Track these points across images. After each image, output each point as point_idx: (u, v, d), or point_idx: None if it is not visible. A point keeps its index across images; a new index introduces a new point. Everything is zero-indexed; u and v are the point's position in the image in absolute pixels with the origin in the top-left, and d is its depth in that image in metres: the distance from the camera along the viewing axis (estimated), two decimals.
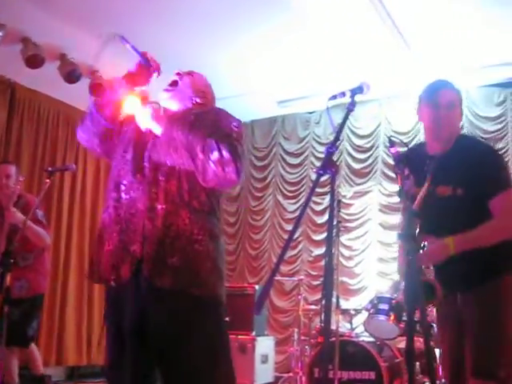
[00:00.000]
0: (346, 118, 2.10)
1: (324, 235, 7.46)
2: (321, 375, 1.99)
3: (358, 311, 5.68)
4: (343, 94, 2.16)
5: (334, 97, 2.18)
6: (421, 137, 7.28)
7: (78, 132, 2.72)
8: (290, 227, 7.91)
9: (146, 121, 2.47)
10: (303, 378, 5.58)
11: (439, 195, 2.66)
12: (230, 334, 5.05)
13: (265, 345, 6.63)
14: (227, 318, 5.68)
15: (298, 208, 8.12)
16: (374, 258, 7.45)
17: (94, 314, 7.58)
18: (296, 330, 6.22)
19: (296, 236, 8.07)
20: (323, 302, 1.94)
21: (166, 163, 2.43)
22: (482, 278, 2.66)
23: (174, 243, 2.33)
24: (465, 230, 2.58)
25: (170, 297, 2.31)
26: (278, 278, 7.83)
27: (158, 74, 2.63)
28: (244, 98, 7.73)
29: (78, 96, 6.56)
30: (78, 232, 7.60)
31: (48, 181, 4.16)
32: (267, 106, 8.13)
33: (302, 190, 8.25)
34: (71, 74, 6.31)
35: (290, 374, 6.02)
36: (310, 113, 8.36)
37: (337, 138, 2.01)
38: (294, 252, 8.10)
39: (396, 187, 2.09)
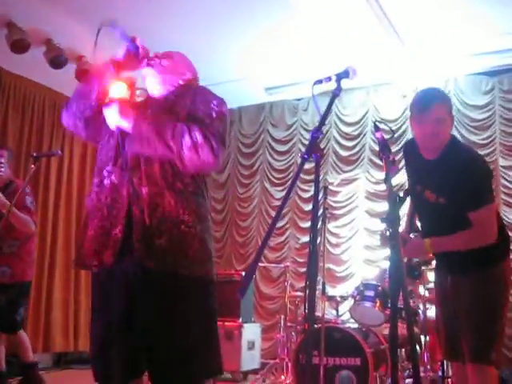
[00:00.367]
0: (331, 103, 2.09)
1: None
2: (305, 361, 1.99)
3: (344, 298, 5.70)
4: (329, 79, 2.16)
5: (320, 81, 2.17)
6: (408, 125, 7.30)
7: (62, 116, 2.72)
8: None
9: (113, 118, 2.46)
10: (289, 365, 5.60)
11: (426, 200, 2.84)
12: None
13: (251, 331, 6.65)
14: None
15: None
16: (360, 246, 7.47)
17: (81, 300, 7.57)
18: (282, 316, 6.24)
19: (283, 223, 8.10)
20: (307, 289, 1.93)
21: (143, 154, 2.43)
22: (478, 264, 2.78)
23: (160, 225, 2.34)
24: (450, 233, 2.74)
25: (158, 278, 2.33)
26: (264, 264, 7.86)
27: (148, 60, 2.63)
28: (232, 84, 7.69)
29: (63, 81, 6.50)
30: (65, 218, 7.57)
31: (33, 166, 4.15)
32: (255, 92, 8.10)
33: (289, 177, 8.23)
34: (57, 60, 6.25)
35: (277, 361, 6.04)
36: (298, 100, 8.34)
37: (322, 123, 2.01)
38: (281, 239, 8.11)
39: (383, 175, 2.10)
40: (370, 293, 5.14)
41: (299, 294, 6.10)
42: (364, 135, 7.80)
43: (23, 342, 4.95)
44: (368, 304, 5.10)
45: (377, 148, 7.35)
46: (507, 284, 2.80)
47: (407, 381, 4.96)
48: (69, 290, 7.49)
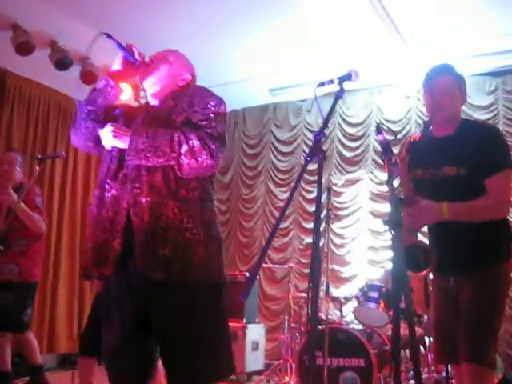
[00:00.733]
0: (334, 105, 2.11)
1: None
2: (309, 362, 1.98)
3: (348, 299, 5.72)
4: (331, 82, 2.17)
5: (323, 84, 2.19)
6: (412, 125, 7.32)
7: (72, 138, 2.72)
8: None
9: (108, 140, 2.46)
10: (293, 366, 5.62)
11: (445, 175, 2.73)
12: None
13: (255, 332, 6.67)
14: None
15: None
16: (364, 247, 7.47)
17: (86, 301, 7.58)
18: (286, 317, 6.26)
19: (287, 224, 8.10)
20: (310, 289, 1.93)
21: (143, 164, 2.42)
22: (483, 262, 2.73)
23: (164, 234, 2.33)
24: None
25: (165, 288, 2.33)
26: (268, 265, 7.87)
27: (145, 67, 2.63)
28: (236, 85, 7.71)
29: (68, 83, 6.54)
30: (69, 220, 7.60)
31: (38, 168, 4.20)
32: (259, 93, 8.11)
33: (293, 177, 8.23)
34: (62, 62, 6.27)
35: (281, 362, 6.06)
36: (302, 101, 8.35)
37: (325, 125, 2.03)
38: (285, 240, 8.12)
39: (386, 176, 2.12)
40: (374, 294, 5.16)
41: (303, 294, 6.11)
42: (368, 136, 7.80)
43: (31, 343, 4.99)
44: (372, 305, 5.11)
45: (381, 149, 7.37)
46: (509, 283, 2.79)
47: (411, 382, 4.97)
48: (73, 291, 7.51)
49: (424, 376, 4.85)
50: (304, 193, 8.04)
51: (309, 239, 7.86)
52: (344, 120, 8.01)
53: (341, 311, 5.69)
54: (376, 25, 5.99)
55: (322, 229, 5.72)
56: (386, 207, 7.23)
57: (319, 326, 4.97)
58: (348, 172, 7.86)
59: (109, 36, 2.51)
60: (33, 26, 5.95)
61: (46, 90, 7.38)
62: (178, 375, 2.36)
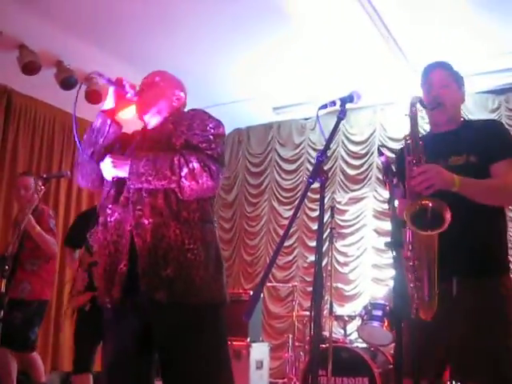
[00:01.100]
0: (336, 127, 2.11)
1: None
2: (312, 382, 1.96)
3: (351, 317, 5.70)
4: (333, 103, 2.17)
5: (325, 106, 2.20)
6: None
7: (78, 179, 2.75)
8: None
9: (109, 172, 2.48)
10: None
11: (452, 165, 2.57)
12: None
13: (260, 351, 6.63)
14: None
15: None
16: (368, 264, 7.46)
17: None
18: (291, 335, 6.24)
19: (291, 242, 8.11)
20: (312, 309, 1.92)
21: (145, 188, 2.44)
22: (489, 269, 2.55)
23: (166, 255, 2.35)
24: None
25: (168, 309, 2.34)
26: (273, 284, 7.86)
27: (138, 98, 2.64)
28: (240, 104, 7.76)
29: (73, 102, 6.57)
30: None
31: (43, 187, 4.22)
32: (263, 112, 8.15)
33: (297, 196, 8.25)
34: (67, 81, 6.33)
35: (285, 380, 6.04)
36: (306, 119, 8.39)
37: (327, 147, 2.03)
38: (289, 258, 8.12)
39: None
40: (378, 312, 5.14)
41: (307, 313, 6.09)
42: (371, 154, 7.81)
43: (35, 362, 5.02)
44: (376, 323, 5.10)
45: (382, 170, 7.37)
46: None
47: None
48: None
49: None
50: (308, 211, 8.05)
51: (313, 257, 7.84)
52: (348, 138, 8.04)
53: (345, 330, 5.67)
54: (379, 44, 6.03)
55: (325, 247, 5.73)
56: (390, 225, 7.22)
57: (323, 345, 4.96)
58: (352, 190, 7.87)
59: (99, 74, 2.54)
60: (39, 46, 6.01)
61: (52, 109, 7.42)
62: None
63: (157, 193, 2.42)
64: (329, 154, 7.97)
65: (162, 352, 2.41)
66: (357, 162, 7.95)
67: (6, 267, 4.20)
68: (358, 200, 7.79)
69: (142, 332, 2.41)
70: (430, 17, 5.59)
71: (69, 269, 6.00)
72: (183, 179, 2.36)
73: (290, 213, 8.19)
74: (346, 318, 5.68)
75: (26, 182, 5.10)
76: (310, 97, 7.24)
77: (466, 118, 2.89)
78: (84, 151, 2.62)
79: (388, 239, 2.27)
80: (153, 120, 2.70)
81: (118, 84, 2.59)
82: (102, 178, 2.62)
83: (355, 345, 5.33)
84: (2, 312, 4.00)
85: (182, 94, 2.79)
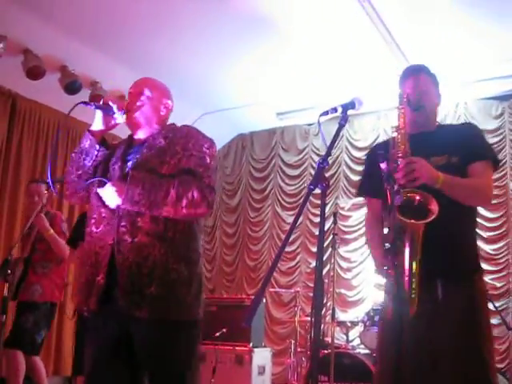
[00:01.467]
0: (337, 134, 2.11)
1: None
2: None
3: (354, 323, 5.69)
4: (335, 110, 2.17)
5: (326, 113, 2.19)
6: None
7: (67, 196, 2.75)
8: None
9: (113, 200, 2.43)
10: None
11: (433, 166, 2.51)
12: (227, 346, 5.20)
13: (262, 356, 6.61)
14: (224, 330, 5.73)
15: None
16: (371, 270, 7.41)
17: None
18: (293, 341, 6.23)
19: (294, 248, 8.11)
20: (312, 315, 1.90)
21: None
22: (470, 269, 2.57)
23: (151, 273, 2.37)
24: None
25: (149, 325, 2.37)
26: (275, 289, 7.86)
27: (125, 113, 2.60)
28: (244, 109, 7.78)
29: (78, 107, 6.59)
30: None
31: (46, 192, 4.26)
32: (266, 117, 8.17)
33: (300, 201, 8.24)
34: (71, 86, 6.36)
35: None
36: (309, 125, 8.40)
37: (328, 154, 2.03)
38: (292, 264, 8.12)
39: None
40: None
41: (309, 318, 6.08)
42: None
43: (38, 367, 5.03)
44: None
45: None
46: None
47: None
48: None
49: None
50: (311, 216, 8.05)
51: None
52: (351, 144, 8.04)
53: (347, 335, 5.67)
54: (382, 49, 6.04)
55: (328, 253, 5.73)
56: None
57: (325, 351, 4.95)
58: (355, 196, 7.86)
59: (85, 103, 2.55)
60: (43, 50, 6.04)
61: (56, 113, 7.43)
62: None
63: (144, 214, 2.43)
64: (332, 160, 7.99)
65: (138, 364, 2.44)
66: (360, 168, 7.92)
67: (9, 271, 4.27)
68: (361, 206, 7.76)
69: (121, 338, 2.42)
70: (434, 22, 5.61)
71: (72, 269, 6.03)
72: (183, 210, 2.40)
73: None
74: (349, 324, 5.67)
75: (38, 188, 5.12)
76: (313, 102, 7.25)
77: (441, 123, 2.92)
78: (72, 172, 2.65)
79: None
80: (142, 131, 2.68)
81: (106, 108, 2.57)
82: (89, 193, 2.63)
83: (357, 351, 5.31)
84: (5, 316, 4.03)
85: (169, 102, 2.77)
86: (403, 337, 1.95)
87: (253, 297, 6.64)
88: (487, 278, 6.61)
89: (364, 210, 7.72)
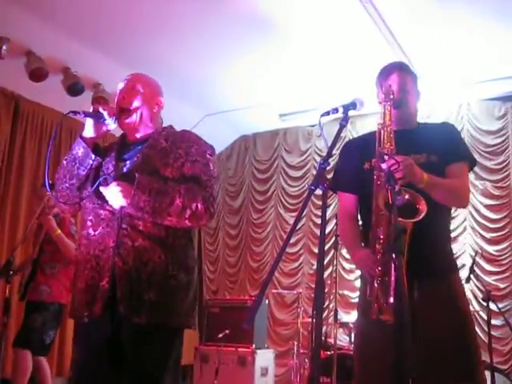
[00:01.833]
0: (338, 134, 2.11)
1: (326, 248, 7.48)
2: None
3: None
4: (336, 110, 2.17)
5: (327, 113, 2.19)
6: None
7: (59, 204, 2.73)
8: (291, 240, 7.93)
9: (117, 201, 2.37)
10: None
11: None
12: (230, 347, 5.20)
13: (265, 357, 6.61)
14: (227, 331, 5.73)
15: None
16: None
17: None
18: (296, 342, 6.22)
19: (297, 249, 8.11)
20: (313, 317, 1.88)
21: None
22: (447, 269, 2.57)
23: (150, 279, 2.35)
24: None
25: (146, 330, 2.35)
26: (278, 290, 7.85)
27: (116, 118, 2.54)
28: (246, 111, 7.78)
29: (80, 109, 6.59)
30: None
31: (49, 193, 4.27)
32: (269, 119, 8.17)
33: None
34: (74, 87, 6.37)
35: None
36: (312, 126, 8.39)
37: (329, 154, 2.02)
38: (295, 265, 8.12)
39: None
40: None
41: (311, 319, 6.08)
42: None
43: (44, 367, 5.04)
44: None
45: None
46: None
47: None
48: None
49: None
50: (314, 218, 8.05)
51: None
52: None
53: (350, 337, 5.66)
54: (384, 50, 6.03)
55: (330, 254, 5.73)
56: None
57: (328, 352, 4.95)
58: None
59: (74, 113, 2.48)
60: (46, 52, 6.05)
61: (59, 115, 7.41)
62: None
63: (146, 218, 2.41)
64: (335, 161, 7.97)
65: (130, 370, 2.37)
66: None
67: (11, 272, 4.30)
68: None
69: (113, 342, 2.39)
70: (436, 23, 5.60)
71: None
72: (186, 221, 2.40)
73: None
74: (352, 325, 5.66)
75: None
76: (316, 104, 7.25)
77: (421, 121, 2.88)
78: (63, 180, 2.59)
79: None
80: (136, 130, 2.64)
81: (96, 115, 2.50)
82: (82, 198, 2.57)
83: None
84: (6, 316, 4.04)
85: (161, 99, 2.73)
86: (406, 338, 1.93)
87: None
88: (490, 279, 6.62)
89: None
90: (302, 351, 6.03)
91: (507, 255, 6.79)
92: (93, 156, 2.53)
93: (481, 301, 5.83)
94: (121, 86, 2.68)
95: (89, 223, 2.47)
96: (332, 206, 7.81)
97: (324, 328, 5.29)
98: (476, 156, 7.00)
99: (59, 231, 4.92)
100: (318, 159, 8.21)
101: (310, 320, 6.18)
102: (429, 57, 6.21)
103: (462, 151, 2.70)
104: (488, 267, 6.71)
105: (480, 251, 6.42)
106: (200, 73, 6.57)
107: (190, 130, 2.74)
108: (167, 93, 2.82)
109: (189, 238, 2.54)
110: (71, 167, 2.55)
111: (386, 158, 2.35)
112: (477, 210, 7.01)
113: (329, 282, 5.89)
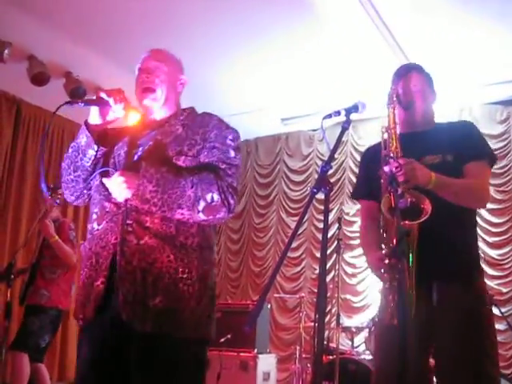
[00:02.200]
0: (340, 137, 2.10)
1: (328, 252, 7.47)
2: None
3: (359, 329, 5.67)
4: (338, 113, 2.16)
5: (329, 116, 2.18)
6: None
7: (67, 197, 2.46)
8: (293, 244, 7.91)
9: (121, 193, 2.13)
10: None
11: (427, 164, 2.47)
12: (232, 351, 5.11)
13: (267, 362, 6.58)
14: (229, 336, 5.70)
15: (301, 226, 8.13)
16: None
17: None
18: (298, 347, 6.20)
19: (299, 253, 8.10)
20: (315, 322, 1.86)
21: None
22: (468, 273, 2.49)
23: (156, 282, 2.08)
24: None
25: (150, 340, 2.07)
26: (280, 295, 7.84)
27: (122, 103, 2.27)
28: (248, 115, 7.77)
29: (82, 113, 6.61)
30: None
31: (50, 197, 4.28)
32: (271, 123, 8.17)
33: None
34: (76, 91, 6.38)
35: None
36: (314, 130, 8.39)
37: (331, 157, 2.01)
38: (297, 269, 8.10)
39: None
40: None
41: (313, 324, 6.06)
42: None
43: (42, 373, 5.04)
44: None
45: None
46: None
47: None
48: None
49: None
50: (316, 222, 8.03)
51: None
52: (356, 149, 8.02)
53: (352, 341, 5.63)
54: (387, 55, 6.03)
55: (333, 259, 5.72)
56: None
57: (330, 357, 4.93)
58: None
59: (70, 103, 2.27)
60: (48, 57, 6.07)
61: (61, 119, 7.44)
62: None
63: (154, 213, 2.14)
64: (337, 166, 7.98)
65: (136, 379, 2.10)
66: None
67: (12, 276, 4.31)
68: None
69: (115, 352, 2.11)
70: (438, 26, 5.59)
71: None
72: (200, 214, 2.13)
73: None
74: (354, 330, 5.64)
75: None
76: (318, 108, 7.24)
77: (438, 121, 2.82)
78: (68, 171, 2.35)
79: None
80: (158, 112, 2.42)
81: (99, 103, 2.25)
82: (90, 189, 2.37)
83: (363, 357, 5.28)
84: (8, 320, 4.04)
85: (184, 78, 2.53)
86: (408, 340, 1.91)
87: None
88: (493, 284, 6.59)
89: None
90: (304, 356, 6.01)
91: (510, 259, 6.77)
92: (95, 147, 2.27)
93: None
94: (142, 64, 2.48)
95: (94, 216, 2.24)
96: (334, 211, 7.80)
97: (326, 332, 5.27)
98: None
99: (56, 237, 4.90)
100: (320, 163, 8.20)
101: (312, 324, 6.17)
102: (431, 61, 6.16)
103: (480, 149, 2.63)
104: (490, 271, 6.68)
105: (482, 255, 6.40)
106: (202, 77, 6.57)
107: None
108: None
109: (204, 237, 2.23)
110: (75, 157, 2.30)
111: (390, 161, 2.33)
112: (479, 214, 6.99)
113: (331, 286, 5.88)
